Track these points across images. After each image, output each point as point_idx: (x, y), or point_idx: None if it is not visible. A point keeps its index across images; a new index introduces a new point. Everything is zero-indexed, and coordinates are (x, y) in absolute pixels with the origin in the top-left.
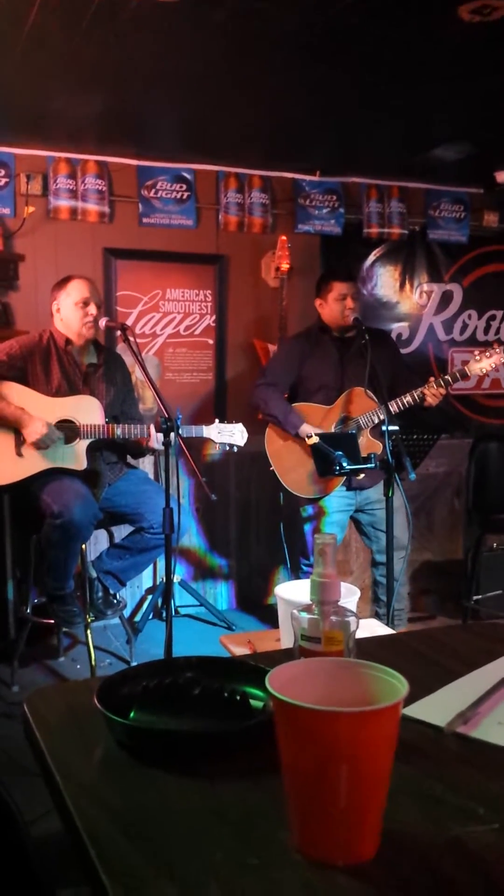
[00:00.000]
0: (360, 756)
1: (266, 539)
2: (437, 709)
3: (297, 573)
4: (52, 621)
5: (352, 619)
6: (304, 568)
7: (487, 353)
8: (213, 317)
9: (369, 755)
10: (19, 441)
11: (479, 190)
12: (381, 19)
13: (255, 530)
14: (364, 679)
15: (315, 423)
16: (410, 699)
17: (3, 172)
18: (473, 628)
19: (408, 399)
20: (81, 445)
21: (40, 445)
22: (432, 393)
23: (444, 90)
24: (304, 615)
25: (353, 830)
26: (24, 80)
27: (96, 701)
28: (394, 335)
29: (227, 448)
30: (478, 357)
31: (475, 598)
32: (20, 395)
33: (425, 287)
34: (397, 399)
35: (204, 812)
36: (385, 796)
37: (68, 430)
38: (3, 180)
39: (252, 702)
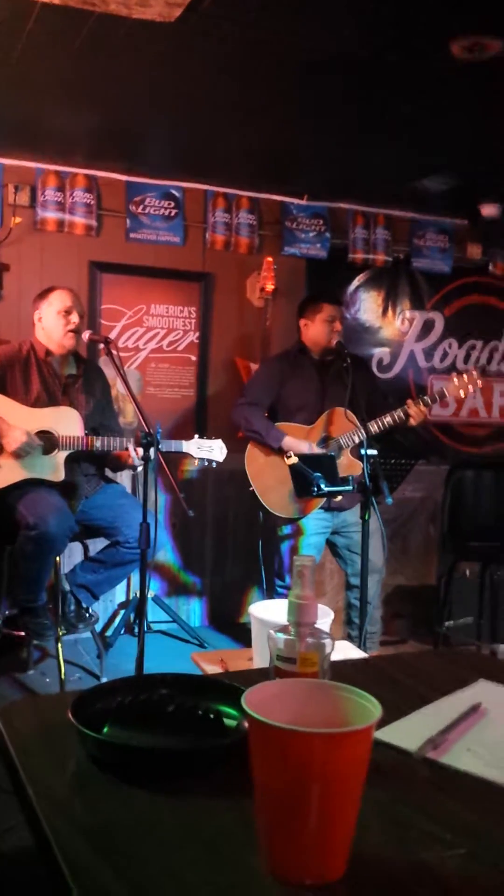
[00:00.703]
0: (332, 777)
1: (241, 557)
2: (408, 733)
3: (271, 593)
4: (23, 633)
5: (327, 641)
6: (279, 589)
7: (465, 377)
8: (197, 334)
9: (341, 776)
10: None
11: (463, 221)
12: (376, 49)
13: (231, 548)
14: (338, 701)
15: (297, 439)
16: (382, 723)
17: None
18: (446, 655)
19: (388, 419)
20: (59, 457)
21: (20, 454)
22: (415, 412)
23: (434, 122)
24: (281, 636)
25: (322, 850)
26: (16, 93)
27: (70, 716)
28: (375, 360)
29: (206, 464)
30: (456, 380)
31: (447, 623)
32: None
33: (407, 314)
34: (378, 419)
35: (176, 830)
36: (355, 818)
37: (46, 440)
38: None
39: (226, 720)
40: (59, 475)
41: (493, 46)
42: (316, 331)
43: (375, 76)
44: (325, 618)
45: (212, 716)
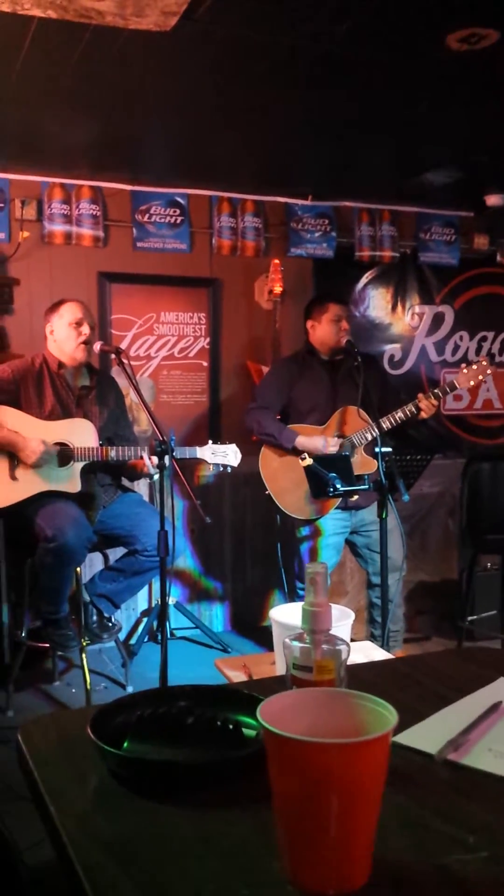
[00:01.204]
0: (351, 786)
1: (261, 561)
2: (428, 736)
3: (292, 596)
4: (47, 645)
5: (343, 648)
6: (300, 591)
7: (474, 366)
8: (207, 339)
9: (359, 785)
10: (13, 464)
11: (469, 213)
12: (371, 47)
13: (251, 552)
14: (354, 709)
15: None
16: (402, 726)
17: None
18: (465, 653)
19: (400, 415)
20: (76, 468)
21: (38, 464)
22: (427, 405)
23: (434, 116)
24: (296, 644)
25: (343, 859)
26: (18, 107)
27: (89, 731)
28: (386, 357)
29: (221, 469)
30: (465, 370)
31: (470, 618)
32: (13, 419)
33: (417, 309)
34: (390, 415)
35: (196, 842)
36: (375, 825)
37: (62, 452)
38: None
39: (245, 731)
40: (76, 486)
41: (490, 36)
42: (324, 331)
43: (373, 73)
44: (345, 619)
45: (231, 727)
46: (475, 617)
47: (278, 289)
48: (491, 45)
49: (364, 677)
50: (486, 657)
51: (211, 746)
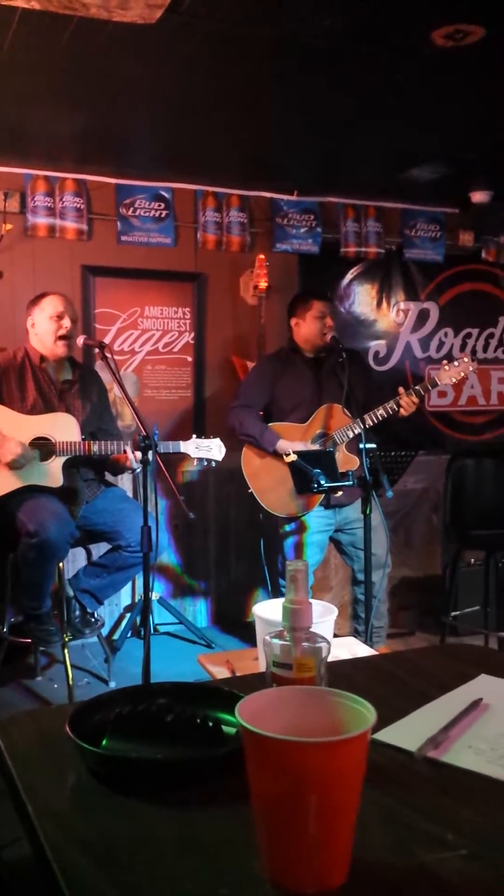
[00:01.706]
0: (329, 785)
1: (245, 556)
2: (409, 733)
3: (276, 592)
4: (29, 640)
5: (323, 646)
6: (283, 588)
7: (456, 363)
8: (192, 334)
9: (338, 784)
10: None
11: (454, 210)
12: (356, 42)
13: (234, 547)
14: (333, 707)
15: (292, 440)
16: (382, 723)
17: None
18: (448, 649)
19: (381, 412)
20: (57, 463)
21: (14, 466)
22: (406, 402)
23: (420, 112)
24: (276, 641)
25: (322, 858)
26: (2, 99)
27: (68, 729)
28: (371, 353)
29: (206, 463)
30: (447, 367)
31: (453, 613)
32: None
33: (402, 305)
34: (371, 413)
35: (175, 840)
36: (354, 824)
37: (44, 447)
38: None
39: (225, 728)
40: (58, 481)
41: (475, 32)
42: (308, 328)
43: (357, 68)
44: (327, 615)
45: (211, 724)
46: (458, 612)
47: (263, 284)
48: (476, 41)
49: (346, 674)
50: (468, 654)
51: (190, 744)
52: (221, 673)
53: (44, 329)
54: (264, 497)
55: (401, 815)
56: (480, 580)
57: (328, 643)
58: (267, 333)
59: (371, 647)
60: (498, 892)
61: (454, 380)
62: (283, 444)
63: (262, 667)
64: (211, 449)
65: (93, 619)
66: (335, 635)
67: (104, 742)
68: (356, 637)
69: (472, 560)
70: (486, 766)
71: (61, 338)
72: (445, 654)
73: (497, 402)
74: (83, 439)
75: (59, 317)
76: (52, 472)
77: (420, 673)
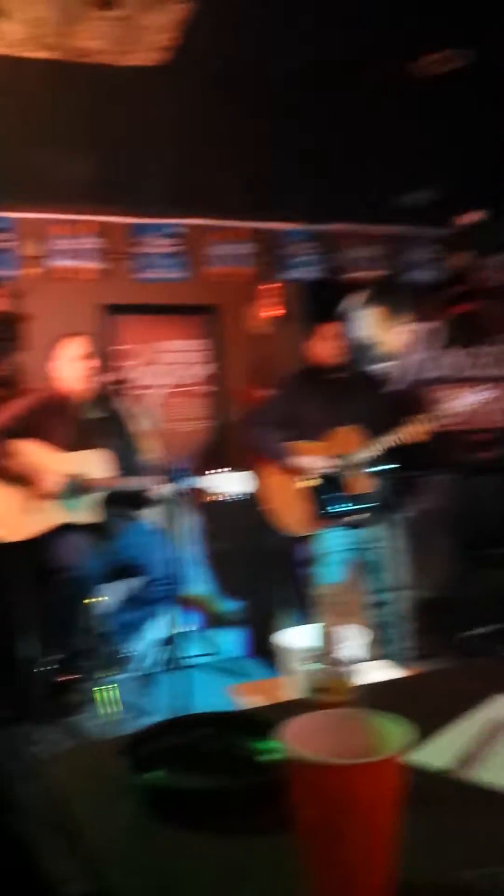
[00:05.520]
0: (366, 808)
1: (274, 583)
2: (441, 752)
3: (302, 618)
4: (69, 677)
5: (355, 668)
6: (308, 612)
7: (417, 424)
8: (209, 365)
9: (378, 805)
10: (30, 497)
11: (451, 230)
12: (354, 75)
13: (263, 575)
14: (369, 729)
15: (306, 460)
16: (415, 744)
17: (4, 236)
18: (475, 666)
19: (391, 439)
20: (90, 499)
21: (54, 497)
22: (413, 432)
23: (413, 139)
24: (308, 666)
25: (369, 881)
26: (18, 148)
27: (117, 762)
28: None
29: (229, 495)
30: (413, 423)
31: (472, 632)
32: (30, 452)
33: (408, 327)
34: (381, 438)
35: (229, 870)
36: (397, 845)
37: (76, 484)
38: (5, 244)
39: (264, 756)
40: (92, 517)
41: (462, 58)
42: (318, 350)
43: (354, 97)
44: (356, 639)
45: (252, 752)
46: (477, 631)
47: (273, 313)
48: (465, 65)
49: (376, 696)
50: (496, 670)
51: (234, 772)
52: (254, 702)
53: (69, 371)
54: (278, 515)
55: (436, 835)
56: (497, 598)
57: (359, 665)
58: (280, 361)
59: (397, 669)
60: None
61: (411, 438)
62: (297, 463)
63: (293, 693)
64: (234, 481)
65: (127, 654)
66: (362, 659)
67: (154, 772)
68: (382, 660)
69: (490, 578)
70: None
71: (87, 377)
72: (472, 672)
73: None
74: (113, 475)
75: (83, 357)
76: (85, 508)
77: (449, 692)
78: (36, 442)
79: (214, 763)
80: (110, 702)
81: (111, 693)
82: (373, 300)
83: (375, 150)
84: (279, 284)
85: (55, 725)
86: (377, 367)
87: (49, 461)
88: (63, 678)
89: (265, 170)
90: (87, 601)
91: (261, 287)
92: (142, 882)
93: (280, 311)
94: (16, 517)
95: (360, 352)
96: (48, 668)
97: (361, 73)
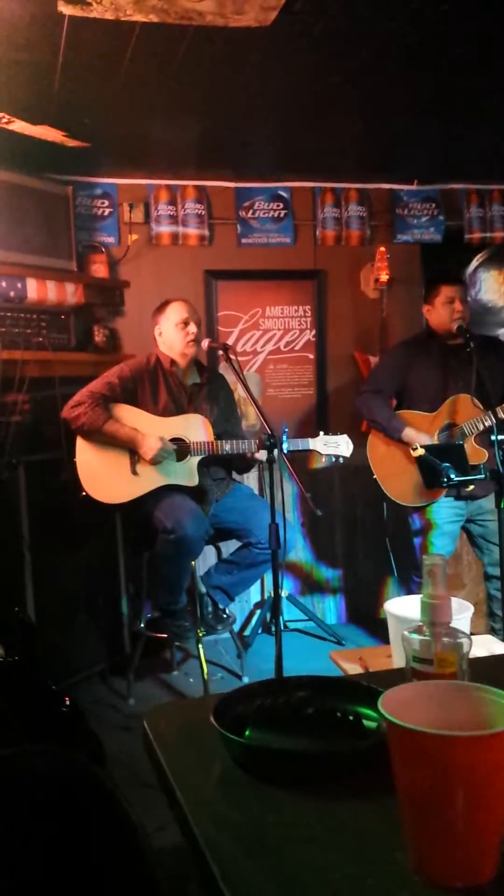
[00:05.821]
0: (477, 780)
1: (373, 552)
2: None
3: (407, 587)
4: (165, 636)
5: (465, 641)
6: (416, 582)
7: None
8: (313, 331)
9: (486, 779)
10: (134, 460)
11: None
12: (471, 24)
13: (363, 543)
14: (478, 702)
15: (419, 430)
16: None
17: (106, 202)
18: None
19: None
20: (192, 462)
21: (157, 460)
22: None
23: None
24: (416, 636)
25: (471, 852)
26: (124, 113)
27: (213, 720)
28: None
29: (334, 460)
30: None
31: None
32: (132, 416)
33: None
34: (500, 407)
35: (320, 831)
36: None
37: (179, 447)
38: (107, 210)
39: (365, 722)
40: (194, 480)
41: None
42: (437, 315)
43: (473, 52)
44: (464, 613)
45: (351, 718)
46: None
47: (385, 277)
48: None
49: (484, 671)
50: None
51: (331, 737)
52: (354, 669)
53: (170, 336)
54: (388, 484)
55: None
56: None
57: (469, 638)
58: (389, 327)
59: (502, 643)
60: None
61: None
62: (409, 433)
63: (397, 663)
64: (339, 445)
65: (225, 616)
66: (470, 633)
67: (247, 733)
68: (493, 635)
69: None
70: None
71: (188, 343)
72: None
73: None
74: (213, 439)
75: (185, 323)
76: (188, 471)
77: None
78: (137, 407)
79: (312, 726)
80: (208, 661)
81: (209, 653)
82: (494, 262)
83: (494, 106)
84: (390, 247)
85: (153, 681)
86: (496, 333)
87: (150, 426)
88: (163, 635)
89: (378, 129)
90: (188, 562)
91: (371, 251)
92: (236, 837)
93: (389, 276)
94: (118, 481)
95: (480, 316)
96: (149, 625)
97: (482, 23)
